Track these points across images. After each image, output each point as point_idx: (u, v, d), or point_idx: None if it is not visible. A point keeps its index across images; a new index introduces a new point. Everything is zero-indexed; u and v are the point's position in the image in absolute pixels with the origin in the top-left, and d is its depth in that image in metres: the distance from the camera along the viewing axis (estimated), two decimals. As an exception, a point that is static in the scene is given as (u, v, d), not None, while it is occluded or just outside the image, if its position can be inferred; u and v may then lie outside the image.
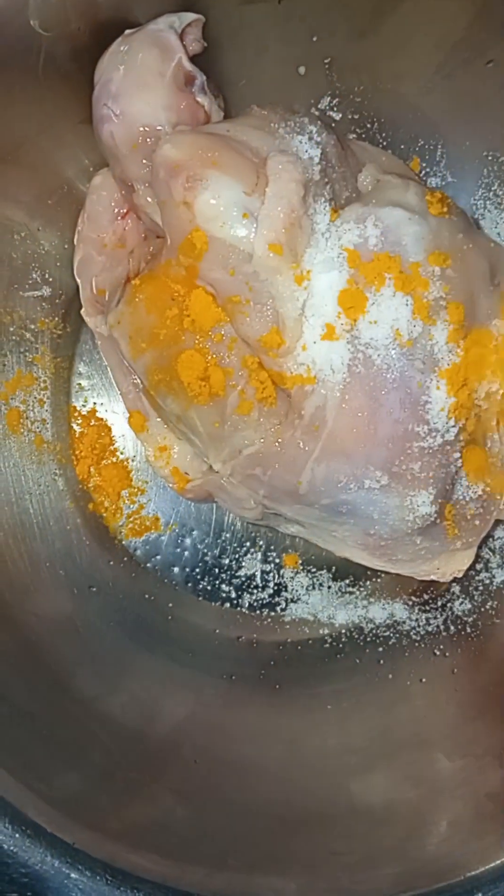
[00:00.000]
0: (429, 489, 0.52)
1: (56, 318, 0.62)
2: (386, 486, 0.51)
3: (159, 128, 0.51)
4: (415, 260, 0.50)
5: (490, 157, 0.61)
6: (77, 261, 0.58)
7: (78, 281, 0.58)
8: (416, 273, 0.50)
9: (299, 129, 0.52)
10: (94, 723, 0.54)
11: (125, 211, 0.56)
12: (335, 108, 0.62)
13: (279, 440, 0.51)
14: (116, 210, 0.56)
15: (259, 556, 0.64)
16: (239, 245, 0.48)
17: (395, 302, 0.49)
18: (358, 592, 0.64)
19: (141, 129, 0.51)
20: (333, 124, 0.61)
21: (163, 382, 0.52)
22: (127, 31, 0.53)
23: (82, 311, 0.59)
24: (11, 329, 0.60)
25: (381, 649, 0.63)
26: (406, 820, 0.54)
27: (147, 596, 0.62)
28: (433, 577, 0.59)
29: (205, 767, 0.56)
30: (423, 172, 0.63)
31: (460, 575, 0.59)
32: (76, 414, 0.63)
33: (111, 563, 0.62)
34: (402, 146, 0.63)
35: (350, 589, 0.64)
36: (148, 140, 0.51)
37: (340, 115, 0.62)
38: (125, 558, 0.62)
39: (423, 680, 0.61)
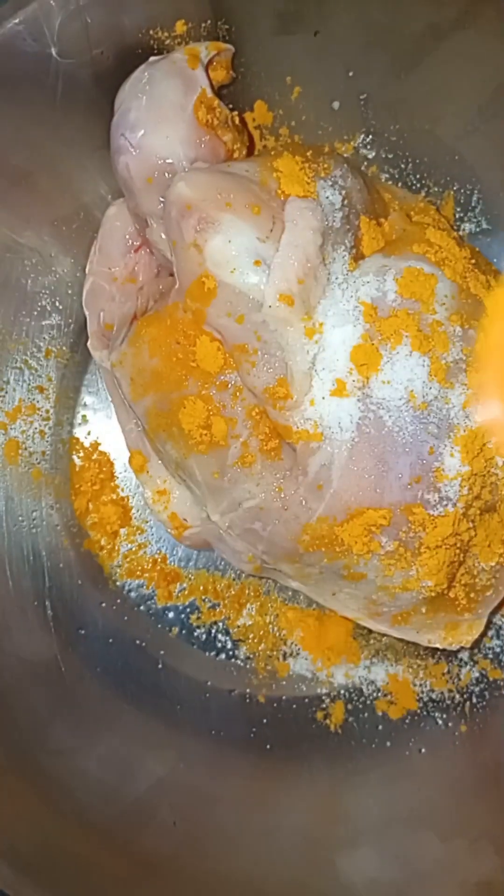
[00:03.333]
0: (437, 559, 0.49)
1: (64, 347, 0.60)
2: (391, 552, 0.48)
3: (176, 163, 0.49)
4: (436, 318, 0.47)
5: (530, 207, 0.59)
6: (86, 292, 0.56)
7: (86, 312, 0.56)
8: (435, 332, 0.47)
9: (324, 172, 0.49)
10: (68, 777, 0.52)
11: (138, 244, 0.54)
12: (368, 146, 0.59)
13: (281, 496, 0.48)
14: (130, 243, 0.54)
15: (258, 606, 0.61)
16: (249, 293, 0.46)
17: (412, 362, 0.46)
18: (360, 651, 0.61)
19: (157, 162, 0.49)
20: (364, 165, 0.59)
21: (163, 427, 0.50)
22: (151, 59, 0.51)
23: (88, 344, 0.57)
24: (16, 356, 0.58)
25: (380, 714, 0.60)
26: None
27: (138, 642, 0.59)
28: (438, 646, 0.56)
29: (183, 831, 0.53)
30: (458, 217, 0.60)
31: (468, 645, 0.56)
32: (78, 446, 0.60)
33: (103, 604, 0.59)
34: (437, 188, 0.60)
35: (352, 647, 0.61)
36: (164, 174, 0.49)
37: (374, 154, 0.59)
38: (118, 600, 0.60)
39: (423, 750, 0.58)
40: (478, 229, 0.60)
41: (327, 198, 0.48)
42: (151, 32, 0.52)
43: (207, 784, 0.56)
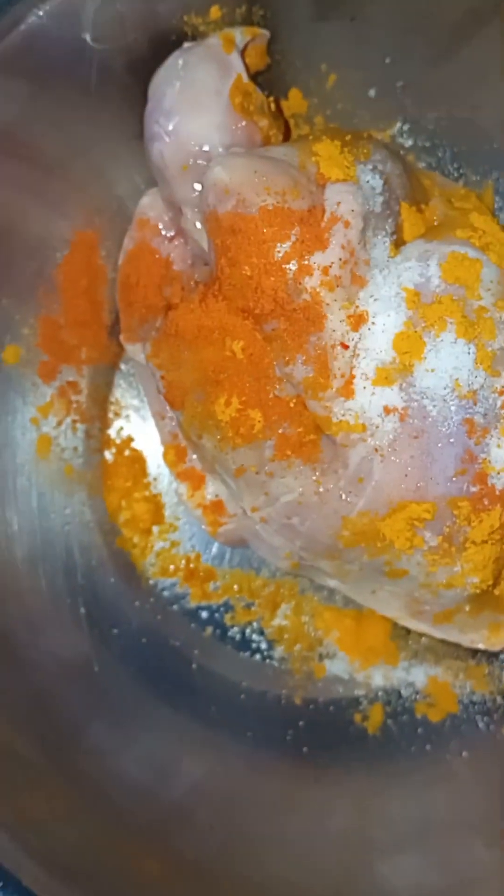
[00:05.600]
0: (483, 554, 0.47)
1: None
2: (435, 547, 0.47)
3: (212, 149, 0.48)
4: (481, 304, 0.45)
5: None
6: (119, 283, 0.55)
7: (118, 305, 0.55)
8: (480, 318, 0.45)
9: (364, 156, 0.48)
10: (105, 778, 0.51)
11: (172, 235, 0.53)
12: (405, 135, 0.58)
13: (320, 490, 0.47)
14: (164, 233, 0.53)
15: (293, 606, 0.60)
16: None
17: (457, 349, 0.45)
18: (399, 653, 0.60)
19: (193, 149, 0.48)
20: (402, 152, 0.58)
21: (198, 419, 0.49)
22: (186, 45, 0.50)
23: (121, 337, 0.56)
24: (48, 351, 0.57)
25: (419, 717, 0.58)
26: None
27: (172, 641, 0.58)
28: (481, 646, 0.54)
29: (220, 834, 0.52)
30: (498, 207, 0.59)
31: None
32: (110, 442, 0.59)
33: (136, 603, 0.58)
34: (476, 177, 0.58)
35: (391, 648, 0.60)
36: (199, 162, 0.48)
37: (411, 142, 0.58)
38: (151, 599, 0.59)
39: (465, 754, 0.56)
40: (516, 218, 0.59)
41: (367, 182, 0.47)
42: (186, 18, 0.51)
43: (244, 787, 0.55)
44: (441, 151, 0.58)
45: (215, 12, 0.51)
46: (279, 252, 0.45)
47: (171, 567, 0.59)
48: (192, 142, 0.48)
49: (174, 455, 0.55)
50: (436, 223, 0.50)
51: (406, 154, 0.58)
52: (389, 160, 0.49)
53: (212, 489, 0.55)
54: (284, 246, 0.45)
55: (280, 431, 0.47)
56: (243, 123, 0.49)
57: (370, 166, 0.48)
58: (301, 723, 0.58)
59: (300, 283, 0.45)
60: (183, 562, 0.59)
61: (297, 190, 0.45)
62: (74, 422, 0.58)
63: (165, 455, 0.56)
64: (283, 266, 0.45)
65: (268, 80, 0.52)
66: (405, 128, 0.58)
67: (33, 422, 0.57)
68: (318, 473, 0.47)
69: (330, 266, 0.45)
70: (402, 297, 0.45)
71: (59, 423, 0.58)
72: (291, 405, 0.46)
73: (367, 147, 0.49)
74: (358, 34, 0.54)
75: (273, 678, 0.59)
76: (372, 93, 0.56)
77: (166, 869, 0.49)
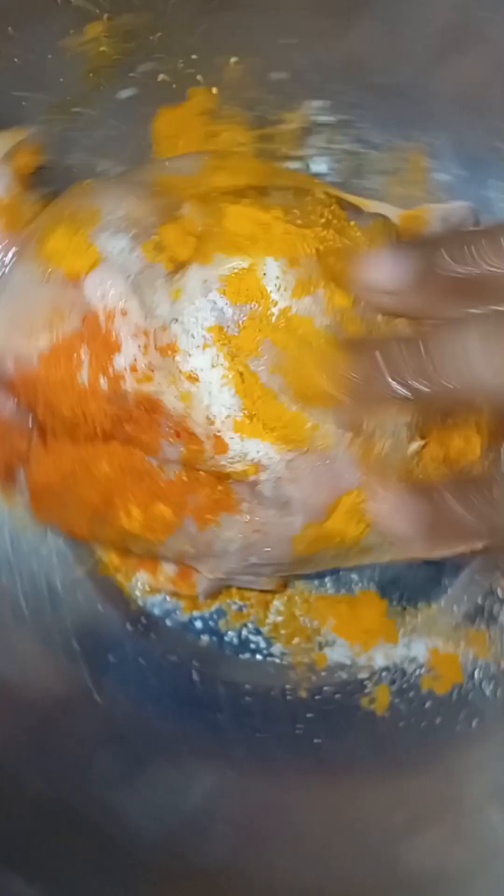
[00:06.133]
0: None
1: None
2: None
3: None
4: (280, 308, 0.44)
5: (501, 146, 0.55)
6: None
7: None
8: (288, 319, 0.44)
9: (93, 224, 0.46)
10: (118, 803, 0.52)
11: None
12: (324, 113, 0.56)
13: (258, 527, 0.46)
14: None
15: (285, 600, 0.60)
16: None
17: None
18: (397, 630, 0.60)
19: None
20: (323, 132, 0.57)
21: (116, 539, 0.49)
22: None
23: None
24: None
25: (425, 691, 0.58)
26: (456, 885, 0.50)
27: (169, 657, 0.59)
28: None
29: (239, 839, 0.53)
30: (430, 168, 0.57)
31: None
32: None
33: (128, 625, 0.59)
34: (402, 142, 0.57)
35: (388, 627, 0.60)
36: None
37: (331, 119, 0.57)
38: (142, 618, 0.59)
39: (475, 723, 0.57)
40: (450, 177, 0.57)
41: (112, 249, 0.44)
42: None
43: (259, 788, 0.56)
44: (362, 123, 0.57)
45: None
46: (83, 380, 0.44)
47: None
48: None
49: (117, 559, 0.56)
50: (200, 233, 0.45)
51: (329, 132, 0.57)
52: (122, 204, 0.46)
53: (169, 568, 0.55)
54: (83, 374, 0.44)
55: (190, 507, 0.46)
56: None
57: (106, 231, 0.45)
58: (309, 715, 0.59)
59: (119, 391, 0.43)
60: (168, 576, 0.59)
61: (59, 312, 0.44)
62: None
63: (110, 563, 0.57)
64: (96, 389, 0.44)
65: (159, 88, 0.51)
66: (321, 105, 0.56)
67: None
68: (247, 516, 0.46)
69: (135, 361, 0.43)
70: (210, 340, 0.43)
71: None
72: (184, 479, 0.46)
73: (88, 212, 0.46)
74: (253, 21, 0.52)
75: (275, 675, 0.59)
76: (276, 76, 0.55)
77: (189, 880, 0.51)
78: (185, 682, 0.58)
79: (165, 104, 0.55)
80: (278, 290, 0.43)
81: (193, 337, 0.43)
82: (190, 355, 0.43)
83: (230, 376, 0.43)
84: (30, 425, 0.49)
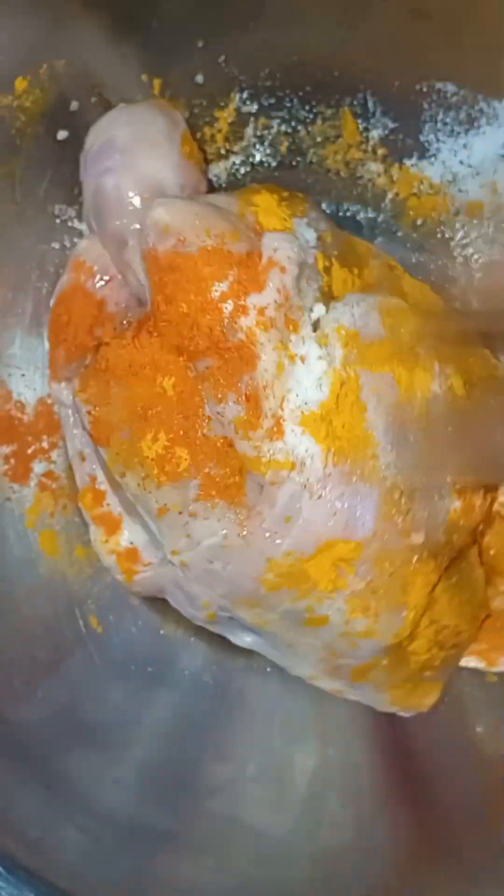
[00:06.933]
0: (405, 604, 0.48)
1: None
2: (357, 592, 0.47)
3: (167, 186, 0.51)
4: (416, 351, 0.48)
5: (424, 89, 0.57)
6: (50, 323, 0.55)
7: (47, 344, 0.56)
8: (415, 362, 0.48)
9: (300, 213, 0.51)
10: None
11: (108, 279, 0.54)
12: (248, 102, 0.59)
13: (244, 532, 0.46)
14: (98, 276, 0.54)
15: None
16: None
17: (394, 392, 0.47)
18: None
19: (150, 182, 0.51)
20: (252, 120, 0.60)
21: (122, 457, 0.48)
22: (121, 105, 0.54)
23: (48, 377, 0.56)
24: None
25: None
26: None
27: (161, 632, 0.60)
28: (395, 709, 0.54)
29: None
30: (363, 128, 0.60)
31: (426, 710, 0.54)
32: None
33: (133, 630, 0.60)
34: (331, 111, 0.60)
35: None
36: (156, 194, 0.51)
37: (257, 106, 0.60)
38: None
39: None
40: (386, 131, 0.60)
41: (302, 234, 0.49)
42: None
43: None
44: (288, 102, 0.60)
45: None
46: (216, 291, 0.46)
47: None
48: (149, 174, 0.51)
49: (91, 499, 0.54)
50: (372, 282, 0.52)
51: (256, 120, 0.60)
52: (322, 220, 0.52)
53: (127, 536, 0.53)
54: (222, 285, 0.46)
55: (206, 471, 0.46)
56: (193, 170, 0.52)
57: (305, 221, 0.50)
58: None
59: (236, 323, 0.46)
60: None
61: (236, 234, 0.47)
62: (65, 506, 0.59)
63: (82, 498, 0.55)
64: (220, 305, 0.46)
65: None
66: (244, 95, 0.59)
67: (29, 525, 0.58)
68: (242, 516, 0.46)
69: (266, 307, 0.46)
70: (336, 339, 0.47)
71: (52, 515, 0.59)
72: (218, 445, 0.46)
73: (303, 205, 0.51)
74: (158, 37, 0.56)
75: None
76: (199, 79, 0.58)
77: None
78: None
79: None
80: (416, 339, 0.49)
81: (321, 333, 0.48)
82: (307, 343, 0.47)
83: (331, 374, 0.46)
84: (127, 318, 0.52)
